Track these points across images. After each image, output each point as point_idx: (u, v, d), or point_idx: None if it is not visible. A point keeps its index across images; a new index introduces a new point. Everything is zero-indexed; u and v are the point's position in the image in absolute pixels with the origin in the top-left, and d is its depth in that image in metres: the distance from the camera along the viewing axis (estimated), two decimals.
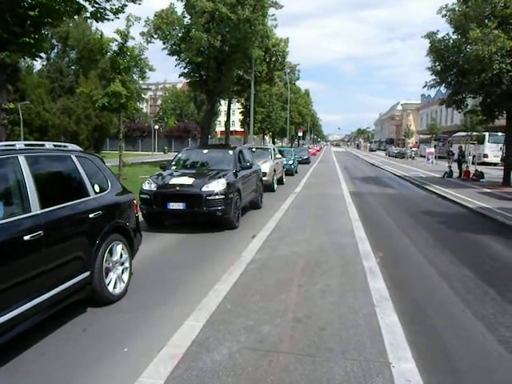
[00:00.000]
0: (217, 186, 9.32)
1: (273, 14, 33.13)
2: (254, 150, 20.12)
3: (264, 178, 16.48)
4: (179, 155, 12.03)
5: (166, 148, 60.92)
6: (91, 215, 4.93)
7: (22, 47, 11.32)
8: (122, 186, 6.17)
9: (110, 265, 5.26)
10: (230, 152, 11.44)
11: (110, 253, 5.26)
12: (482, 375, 3.81)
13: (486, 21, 18.54)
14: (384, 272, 6.31)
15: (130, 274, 5.69)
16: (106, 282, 5.11)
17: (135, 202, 6.26)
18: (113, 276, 5.30)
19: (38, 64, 63.56)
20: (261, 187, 13.11)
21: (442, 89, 24.60)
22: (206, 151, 12.19)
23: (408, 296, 5.70)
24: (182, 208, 9.23)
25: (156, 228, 9.54)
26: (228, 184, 9.53)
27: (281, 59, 39.11)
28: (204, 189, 9.22)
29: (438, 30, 20.94)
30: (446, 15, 19.99)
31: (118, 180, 6.17)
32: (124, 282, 5.54)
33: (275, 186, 17.52)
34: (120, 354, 4.04)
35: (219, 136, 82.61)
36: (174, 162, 11.49)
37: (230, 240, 8.73)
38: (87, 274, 4.77)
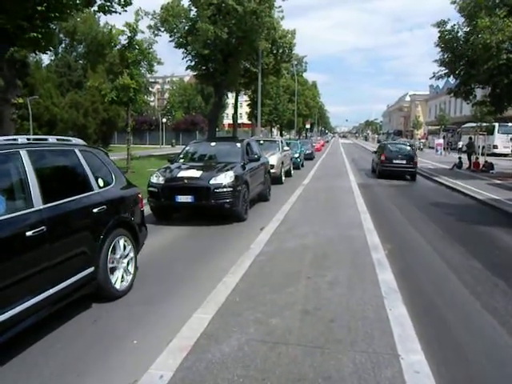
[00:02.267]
0: (225, 178, 9.29)
1: (279, 6, 32.93)
2: (261, 142, 20.07)
3: (272, 171, 16.38)
4: (187, 148, 12.02)
5: (173, 141, 60.95)
6: (95, 210, 4.87)
7: (30, 42, 11.37)
8: (126, 179, 6.13)
9: (115, 260, 5.21)
10: (238, 144, 11.44)
11: (115, 248, 5.21)
12: (492, 367, 3.80)
13: (497, 10, 18.34)
14: (392, 264, 6.29)
15: (136, 268, 5.65)
16: (112, 277, 5.07)
17: (140, 196, 6.19)
18: (118, 271, 5.26)
19: (46, 59, 63.67)
20: (269, 179, 13.07)
21: (451, 79, 24.38)
22: (213, 144, 12.26)
23: (417, 288, 5.69)
24: (190, 201, 9.20)
25: (164, 221, 9.57)
26: (236, 176, 9.50)
27: (288, 51, 38.89)
28: (212, 181, 9.18)
29: (448, 19, 20.75)
30: (455, 2, 19.79)
31: (122, 174, 6.12)
32: (130, 273, 5.52)
33: (283, 178, 17.54)
34: (129, 346, 4.07)
35: (227, 129, 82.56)
36: (181, 155, 11.47)
37: (239, 232, 8.74)
38: (92, 269, 4.72)
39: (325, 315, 4.45)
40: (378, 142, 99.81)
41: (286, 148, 19.92)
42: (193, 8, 30.68)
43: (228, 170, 9.64)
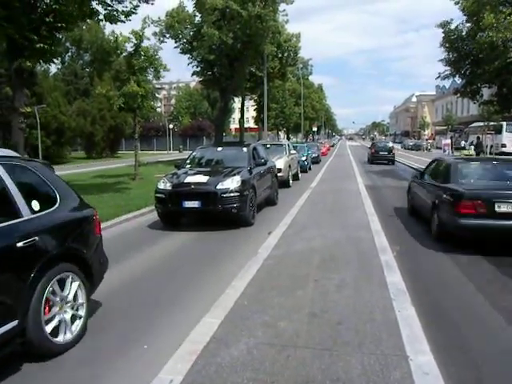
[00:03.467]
0: (231, 183, 9.33)
1: (283, 10, 33.02)
2: (268, 146, 20.08)
3: (279, 174, 16.34)
4: (193, 153, 12.05)
5: (181, 146, 61.12)
6: (20, 244, 3.67)
7: (37, 52, 11.51)
8: (80, 199, 4.92)
9: (57, 304, 4.06)
10: (244, 149, 11.45)
11: (55, 291, 4.03)
12: (502, 368, 3.79)
13: (501, 7, 18.29)
14: (401, 265, 6.29)
15: (85, 319, 4.41)
16: (47, 329, 3.89)
17: (97, 218, 5.02)
18: (57, 320, 4.05)
19: (53, 68, 64.24)
20: (276, 183, 13.03)
21: (457, 79, 24.32)
22: (220, 149, 12.31)
23: (425, 289, 5.68)
24: (197, 206, 9.22)
25: (172, 226, 9.63)
26: (243, 181, 9.53)
27: (293, 54, 39.00)
28: (219, 186, 9.22)
29: (451, 19, 20.71)
30: (458, 2, 19.74)
31: (74, 192, 4.91)
32: (81, 318, 4.31)
33: (291, 181, 17.50)
34: (139, 351, 4.11)
35: (233, 133, 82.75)
36: (188, 161, 11.52)
37: (247, 237, 8.76)
38: (15, 323, 3.57)
39: (332, 318, 4.46)
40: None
41: (293, 151, 19.87)
42: (197, 14, 30.85)
43: (235, 174, 9.67)
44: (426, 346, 3.86)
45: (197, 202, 9.23)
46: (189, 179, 9.67)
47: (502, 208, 7.10)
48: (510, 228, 7.10)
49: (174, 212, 9.67)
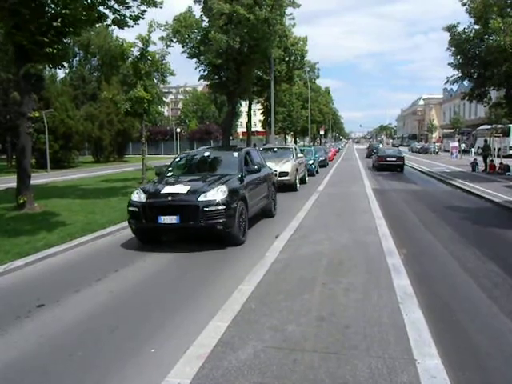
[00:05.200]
0: (216, 194, 8.04)
1: (291, 13, 33.09)
2: (275, 149, 20.12)
3: (286, 178, 16.40)
4: (177, 159, 10.90)
5: (188, 150, 61.31)
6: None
7: (45, 57, 11.59)
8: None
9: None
10: (235, 154, 10.25)
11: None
12: (510, 373, 3.76)
13: (508, 10, 18.24)
14: (408, 269, 6.27)
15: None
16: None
17: None
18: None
19: (61, 72, 64.81)
20: (274, 192, 11.76)
21: (465, 82, 24.27)
22: (207, 154, 10.90)
23: (433, 292, 5.66)
24: (175, 222, 7.83)
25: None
26: (230, 191, 8.26)
27: (300, 58, 39.05)
28: (201, 198, 7.90)
29: (458, 23, 20.69)
30: (465, 4, 19.71)
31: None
32: None
33: (298, 185, 17.43)
34: (147, 355, 4.12)
35: (241, 137, 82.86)
36: (170, 167, 10.29)
37: (254, 240, 8.76)
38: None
39: (340, 321, 4.46)
40: (393, 146, 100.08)
41: (300, 155, 19.82)
42: (204, 18, 30.98)
43: (221, 184, 8.38)
44: (433, 349, 3.85)
45: (175, 217, 7.84)
46: (166, 189, 8.36)
47: (388, 159, 28.36)
48: (389, 164, 27.74)
49: (149, 229, 8.27)
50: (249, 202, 9.03)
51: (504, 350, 4.13)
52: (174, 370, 3.60)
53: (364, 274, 6.05)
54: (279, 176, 16.28)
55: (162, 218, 7.88)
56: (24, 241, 8.23)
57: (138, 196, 8.33)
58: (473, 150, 42.32)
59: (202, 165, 10.40)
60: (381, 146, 54.61)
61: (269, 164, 16.99)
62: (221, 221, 7.90)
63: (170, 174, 9.90)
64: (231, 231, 8.11)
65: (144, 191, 8.44)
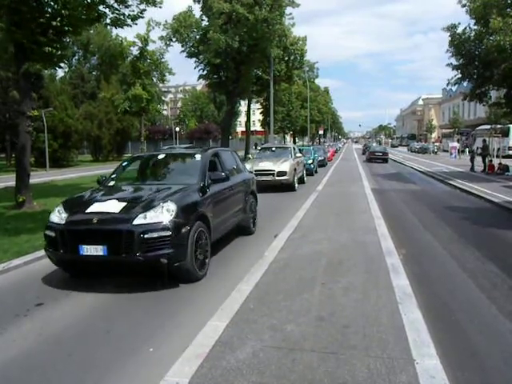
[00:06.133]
0: (160, 214, 5.87)
1: (290, 13, 33.15)
2: (273, 149, 20.08)
3: (284, 178, 16.35)
4: (124, 163, 8.66)
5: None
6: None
7: (44, 56, 11.58)
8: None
9: None
10: (197, 157, 7.95)
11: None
12: (509, 373, 3.76)
13: (508, 10, 18.25)
14: (407, 269, 6.27)
15: None
16: None
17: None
18: None
19: (60, 71, 64.73)
20: (254, 204, 9.63)
21: (465, 82, 24.30)
22: (161, 156, 8.66)
23: (432, 293, 5.66)
24: (101, 254, 5.69)
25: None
26: (181, 209, 6.07)
27: (299, 58, 39.13)
28: (138, 220, 5.75)
29: (458, 23, 20.71)
30: (465, 5, 19.73)
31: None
32: None
33: (296, 185, 17.31)
34: (145, 354, 4.12)
35: (240, 136, 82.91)
36: (114, 175, 8.08)
37: (253, 239, 8.76)
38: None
39: (339, 321, 4.45)
40: (392, 146, 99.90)
41: (298, 154, 19.68)
42: (204, 18, 31.00)
43: (167, 200, 6.13)
44: (432, 349, 3.84)
45: (101, 247, 5.69)
46: (94, 207, 6.17)
47: (377, 154, 41.15)
48: (377, 157, 39.94)
49: (69, 261, 6.20)
50: (212, 220, 6.92)
51: (503, 351, 4.13)
52: (172, 369, 3.60)
53: (363, 273, 6.05)
54: (277, 176, 16.36)
55: (85, 247, 5.73)
56: (23, 239, 8.23)
57: (59, 215, 6.19)
58: (467, 149, 42.45)
59: (155, 171, 8.47)
60: (374, 144, 69.53)
61: (266, 163, 16.96)
62: (166, 252, 5.71)
63: (111, 182, 7.79)
64: (182, 265, 5.92)
65: (67, 208, 6.31)
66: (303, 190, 17.00)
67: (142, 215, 5.81)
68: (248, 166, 16.72)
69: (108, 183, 7.78)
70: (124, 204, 6.15)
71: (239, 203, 8.71)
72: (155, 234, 5.71)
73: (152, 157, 9.03)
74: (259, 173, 15.93)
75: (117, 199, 6.40)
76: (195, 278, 6.17)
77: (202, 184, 7.09)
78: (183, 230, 5.95)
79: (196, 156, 8.07)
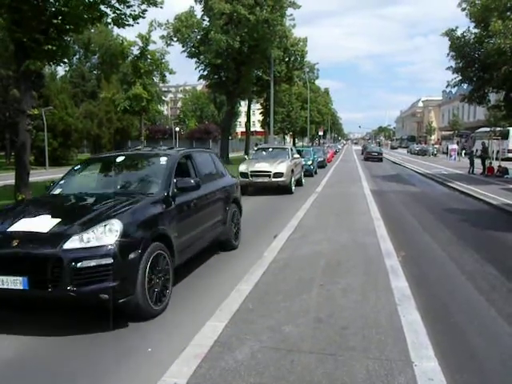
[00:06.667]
0: (101, 236, 4.53)
1: (291, 14, 33.19)
2: (270, 149, 19.53)
3: (281, 179, 15.73)
4: (76, 166, 7.11)
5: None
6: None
7: (45, 54, 11.57)
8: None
9: None
10: (162, 160, 6.55)
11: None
12: (507, 375, 3.76)
13: (508, 13, 18.28)
14: (406, 271, 6.27)
15: None
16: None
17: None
18: None
19: (60, 70, 64.75)
20: (237, 214, 8.33)
21: (465, 85, 24.33)
22: (120, 159, 6.95)
23: (431, 294, 5.66)
24: (20, 288, 4.36)
25: None
26: (132, 228, 4.80)
27: (300, 59, 39.22)
28: (69, 244, 4.44)
29: (456, 27, 20.76)
30: (465, 9, 19.76)
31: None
32: None
33: (293, 187, 16.61)
34: (144, 354, 4.12)
35: (240, 137, 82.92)
36: (62, 181, 6.65)
37: (252, 239, 8.74)
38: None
39: (338, 322, 4.45)
40: (392, 147, 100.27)
41: (296, 156, 18.90)
42: (205, 18, 31.03)
43: (112, 216, 4.78)
44: (430, 351, 3.85)
45: (20, 279, 4.36)
46: (19, 225, 4.80)
47: (373, 153, 46.72)
48: (373, 157, 45.16)
49: None
50: (177, 240, 5.61)
51: (502, 353, 4.13)
52: (170, 369, 3.60)
53: (362, 275, 6.05)
54: (273, 177, 15.77)
55: (1, 278, 4.40)
56: None
57: None
58: (463, 151, 42.65)
59: (110, 177, 6.80)
60: (373, 145, 74.97)
61: (263, 164, 16.26)
62: (107, 286, 4.40)
63: (58, 190, 6.40)
64: (130, 300, 4.62)
65: None
66: (303, 190, 16.98)
67: (76, 237, 4.47)
68: (243, 166, 16.48)
69: (53, 191, 6.40)
70: (57, 221, 4.78)
71: (217, 214, 7.39)
72: (92, 263, 4.38)
73: (109, 159, 7.25)
74: (255, 174, 15.79)
75: (51, 214, 5.00)
76: (149, 314, 4.85)
77: (165, 193, 5.76)
78: (132, 256, 4.63)
79: (161, 159, 6.63)
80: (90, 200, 5.89)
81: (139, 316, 4.81)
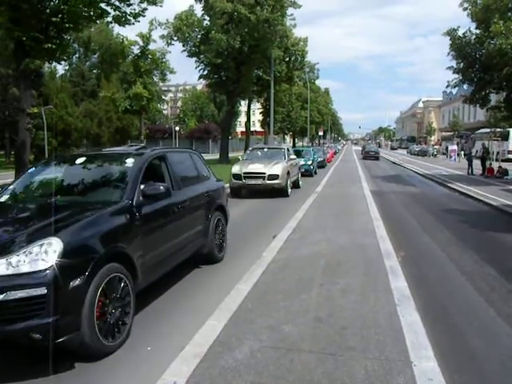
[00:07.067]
0: (34, 259, 3.62)
1: (291, 14, 33.21)
2: (265, 149, 18.69)
3: (276, 182, 14.90)
4: (31, 170, 6.13)
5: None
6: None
7: (45, 52, 11.57)
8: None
9: None
10: (129, 162, 5.61)
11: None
12: (507, 376, 3.76)
13: (509, 14, 18.29)
14: (406, 271, 6.27)
15: None
16: None
17: None
18: None
19: (60, 69, 64.74)
20: (222, 222, 7.41)
21: (465, 85, 24.33)
22: (80, 160, 6.07)
23: (430, 295, 5.66)
24: None
25: None
26: (76, 248, 3.89)
27: (300, 58, 39.22)
28: None
29: (458, 27, 20.76)
30: (466, 9, 19.77)
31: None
32: None
33: (289, 190, 15.70)
34: (143, 353, 4.11)
35: (240, 136, 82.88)
36: (11, 186, 5.71)
37: (250, 240, 8.74)
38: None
39: (337, 322, 4.45)
40: (392, 148, 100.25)
41: (292, 156, 17.80)
42: (206, 17, 31.04)
43: (51, 232, 3.84)
44: (430, 352, 3.84)
45: None
46: None
47: (371, 153, 52.04)
48: (371, 155, 50.20)
49: None
50: (142, 258, 4.73)
51: (501, 354, 4.12)
52: (169, 368, 3.59)
53: (362, 275, 6.05)
54: (268, 179, 14.92)
55: None
56: None
57: None
58: (462, 152, 42.64)
59: (67, 182, 5.72)
60: (371, 146, 75.56)
61: (257, 165, 15.31)
62: (41, 322, 3.53)
63: (3, 197, 5.39)
64: (73, 339, 3.74)
65: None
66: (302, 191, 16.96)
67: (3, 260, 3.57)
68: (236, 167, 15.56)
69: (1, 196, 5.43)
70: None
71: (197, 224, 6.45)
72: (21, 294, 3.48)
73: (68, 161, 6.29)
74: (248, 175, 15.04)
75: None
76: (100, 353, 3.96)
77: (128, 202, 4.81)
78: (75, 283, 3.71)
79: (127, 161, 5.66)
80: (35, 211, 4.94)
81: (87, 355, 3.93)
